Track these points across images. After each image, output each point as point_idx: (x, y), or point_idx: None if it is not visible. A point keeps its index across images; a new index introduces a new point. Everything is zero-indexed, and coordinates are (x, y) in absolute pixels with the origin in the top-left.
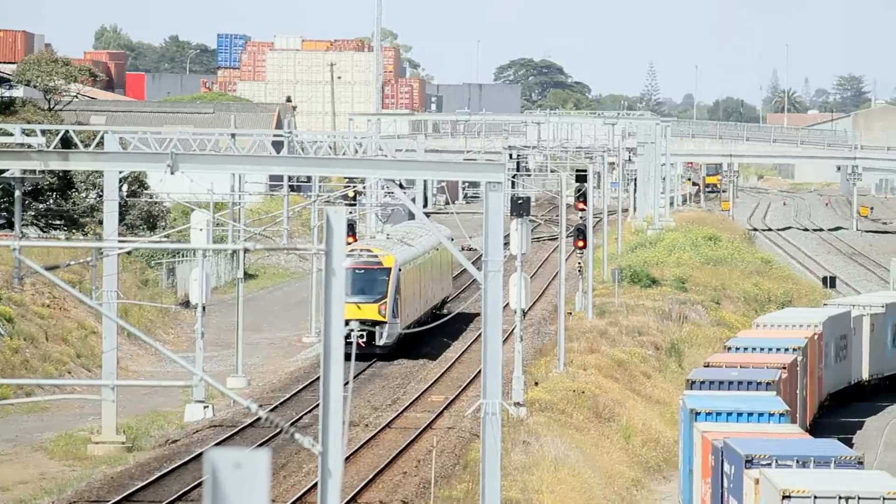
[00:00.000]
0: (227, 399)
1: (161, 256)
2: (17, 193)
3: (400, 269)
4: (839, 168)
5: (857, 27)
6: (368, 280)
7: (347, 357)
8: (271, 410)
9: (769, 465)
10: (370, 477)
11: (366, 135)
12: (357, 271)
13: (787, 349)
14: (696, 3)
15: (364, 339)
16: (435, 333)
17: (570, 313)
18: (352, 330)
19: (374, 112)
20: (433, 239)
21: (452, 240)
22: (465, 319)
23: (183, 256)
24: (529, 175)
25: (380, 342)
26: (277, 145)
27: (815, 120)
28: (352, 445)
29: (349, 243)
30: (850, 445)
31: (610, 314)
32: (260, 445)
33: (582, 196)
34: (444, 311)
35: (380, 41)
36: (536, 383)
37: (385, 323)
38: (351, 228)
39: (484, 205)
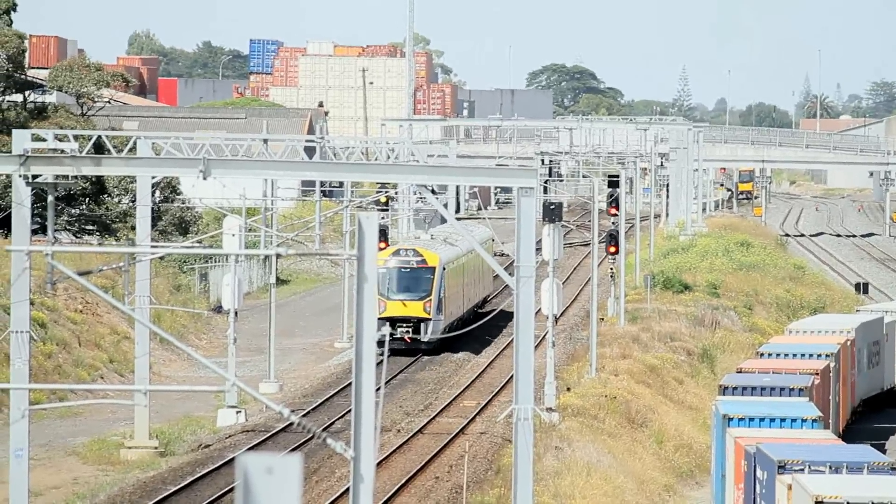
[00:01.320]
0: (259, 404)
1: (193, 262)
2: (50, 199)
3: (444, 268)
4: (872, 174)
5: (889, 32)
6: (414, 278)
7: (398, 352)
8: (304, 415)
9: (802, 470)
10: (402, 482)
11: (398, 140)
12: (403, 270)
13: (819, 355)
14: (729, 9)
15: (410, 336)
16: (469, 337)
17: (603, 319)
18: (384, 334)
19: (406, 117)
20: (475, 239)
21: (493, 240)
22: (504, 318)
23: (215, 262)
24: (562, 180)
25: (425, 338)
26: (310, 150)
27: (847, 125)
28: (384, 450)
29: (381, 249)
30: (883, 451)
31: (642, 320)
32: (292, 450)
33: (614, 201)
34: (486, 310)
35: (412, 46)
36: (568, 389)
37: (430, 320)
38: (383, 234)
39: (516, 210)
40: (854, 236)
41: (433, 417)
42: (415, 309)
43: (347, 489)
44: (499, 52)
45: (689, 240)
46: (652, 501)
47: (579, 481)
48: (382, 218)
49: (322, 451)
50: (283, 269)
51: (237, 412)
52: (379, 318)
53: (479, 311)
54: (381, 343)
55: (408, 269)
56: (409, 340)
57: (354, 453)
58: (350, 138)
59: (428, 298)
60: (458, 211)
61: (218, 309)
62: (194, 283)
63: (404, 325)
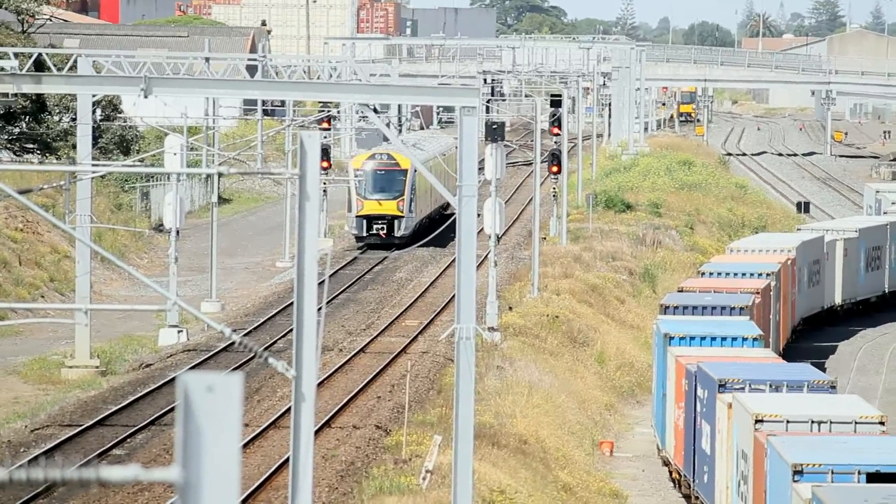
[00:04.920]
0: (200, 323)
1: (135, 181)
2: None
3: (415, 171)
4: (813, 93)
5: None
6: (388, 180)
7: (371, 247)
8: (245, 335)
9: (742, 389)
10: (344, 401)
11: (340, 59)
12: (378, 172)
13: (760, 274)
14: None
15: (385, 231)
16: (415, 253)
17: (545, 238)
18: (325, 252)
19: (349, 36)
20: (441, 145)
21: (456, 148)
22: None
23: (157, 181)
24: (504, 100)
25: (398, 234)
26: (252, 69)
27: (789, 44)
28: (325, 370)
29: (324, 169)
30: (823, 370)
31: (584, 239)
32: (234, 370)
33: (556, 121)
34: (450, 212)
35: None
36: (510, 308)
37: (402, 217)
38: (325, 153)
39: (458, 130)
40: (795, 155)
41: (375, 337)
42: (389, 207)
43: (289, 408)
44: None
45: (631, 159)
46: (593, 420)
47: (521, 400)
48: (325, 137)
49: (264, 371)
50: (225, 189)
51: (178, 331)
52: (357, 216)
53: (444, 212)
54: (359, 238)
55: (383, 172)
56: (384, 236)
57: (296, 372)
58: (292, 57)
59: (401, 198)
60: (400, 130)
61: (159, 228)
62: (135, 202)
63: (379, 222)
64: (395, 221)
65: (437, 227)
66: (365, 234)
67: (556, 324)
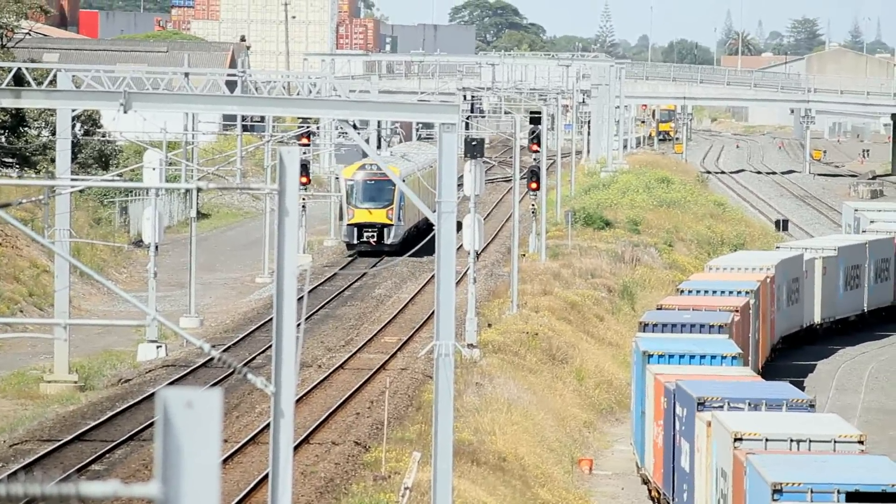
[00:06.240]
0: (179, 339)
1: (114, 195)
2: None
3: (403, 181)
4: (792, 111)
5: None
6: (378, 189)
7: (364, 253)
8: (224, 351)
9: (721, 407)
10: (323, 418)
11: (320, 75)
12: (369, 182)
13: (739, 292)
14: None
15: (375, 239)
16: (394, 269)
17: (524, 255)
18: (303, 268)
19: (329, 52)
20: (429, 157)
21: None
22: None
23: (136, 195)
24: (483, 116)
25: (387, 241)
26: (231, 85)
27: (768, 62)
28: (304, 386)
29: (303, 184)
30: (802, 389)
31: (563, 256)
32: (212, 385)
33: (536, 138)
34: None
35: None
36: (490, 325)
37: (392, 225)
38: (304, 169)
39: (438, 146)
40: (774, 173)
41: (354, 353)
42: (379, 216)
43: (268, 424)
44: None
45: (610, 176)
46: (572, 438)
47: (499, 417)
48: (304, 153)
49: (242, 387)
50: (204, 204)
51: (157, 347)
52: (347, 224)
53: (432, 223)
54: (350, 246)
55: (372, 182)
56: (374, 243)
57: (275, 388)
58: (272, 73)
59: (390, 207)
60: (379, 146)
61: (138, 243)
62: (114, 217)
63: (370, 230)
64: (385, 229)
65: (426, 236)
66: (356, 242)
67: (535, 341)
